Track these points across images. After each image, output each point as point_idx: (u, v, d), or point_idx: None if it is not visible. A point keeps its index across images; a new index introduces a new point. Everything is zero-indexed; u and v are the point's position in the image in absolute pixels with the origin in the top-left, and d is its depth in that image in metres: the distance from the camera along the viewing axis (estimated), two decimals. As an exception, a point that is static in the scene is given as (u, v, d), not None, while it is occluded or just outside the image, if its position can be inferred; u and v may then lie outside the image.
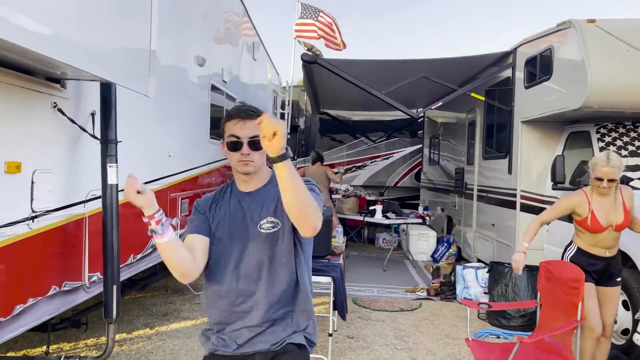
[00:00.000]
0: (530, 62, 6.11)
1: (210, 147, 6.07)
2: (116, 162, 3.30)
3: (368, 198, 11.27)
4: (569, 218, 3.88)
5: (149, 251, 4.41)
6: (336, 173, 8.64)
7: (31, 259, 2.86)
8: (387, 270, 8.09)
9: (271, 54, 10.58)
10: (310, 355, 2.06)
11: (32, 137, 2.84)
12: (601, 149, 4.95)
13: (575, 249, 3.72)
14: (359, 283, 7.11)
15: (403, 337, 4.97)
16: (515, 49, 6.56)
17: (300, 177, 1.63)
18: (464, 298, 6.02)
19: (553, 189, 5.53)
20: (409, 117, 7.37)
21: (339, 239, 5.53)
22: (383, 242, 10.56)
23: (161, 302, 5.95)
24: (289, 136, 12.48)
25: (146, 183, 4.32)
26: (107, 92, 3.27)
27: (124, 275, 3.93)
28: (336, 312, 4.43)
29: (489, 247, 7.25)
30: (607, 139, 5.10)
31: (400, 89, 6.61)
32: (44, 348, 3.53)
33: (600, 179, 3.50)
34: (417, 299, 6.38)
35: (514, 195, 6.36)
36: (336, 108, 12.11)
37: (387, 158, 13.30)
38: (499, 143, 7.06)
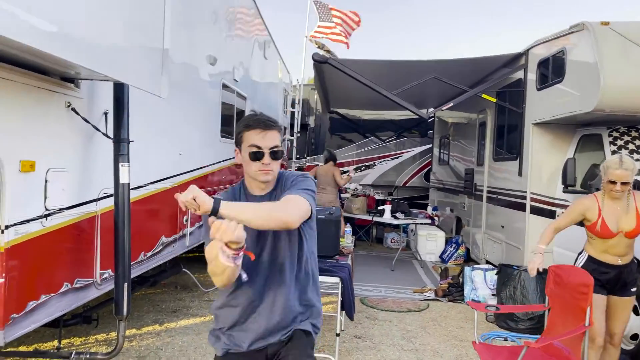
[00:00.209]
0: (543, 64, 6.07)
1: (221, 145, 6.11)
2: (128, 161, 3.34)
3: (377, 197, 11.27)
4: (580, 222, 3.84)
5: (159, 249, 4.46)
6: (345, 172, 8.65)
7: (44, 256, 2.91)
8: (395, 271, 8.09)
9: (281, 52, 10.60)
10: (317, 355, 2.10)
11: (46, 136, 2.89)
12: (613, 153, 4.91)
13: (586, 257, 3.61)
14: (367, 283, 7.12)
15: (410, 337, 4.97)
16: (528, 50, 6.52)
17: (244, 205, 1.84)
18: (472, 300, 6.01)
19: (564, 191, 5.50)
20: (418, 117, 7.36)
21: (347, 239, 5.54)
22: (391, 242, 10.55)
23: (171, 298, 6.00)
24: (298, 134, 12.55)
25: (157, 182, 4.39)
26: (120, 92, 3.31)
27: (134, 273, 3.97)
28: (344, 312, 4.45)
29: (498, 249, 7.23)
30: (619, 142, 5.06)
31: (410, 89, 6.60)
32: (56, 343, 3.59)
33: (614, 182, 3.41)
34: (424, 300, 6.38)
35: (524, 198, 6.33)
36: (346, 107, 12.11)
37: (397, 157, 13.28)
38: (509, 144, 7.03)
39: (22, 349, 4.16)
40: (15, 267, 2.65)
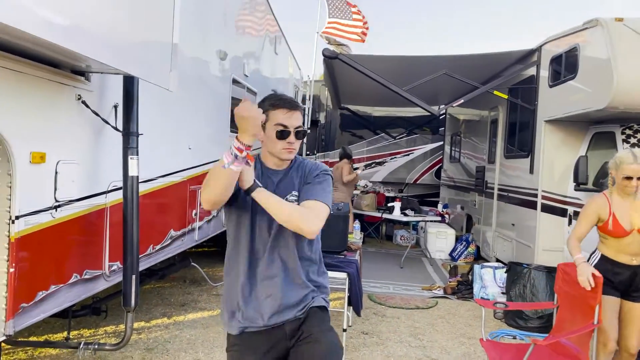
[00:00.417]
0: (556, 61, 6.00)
1: (230, 140, 6.12)
2: (137, 154, 3.36)
3: (387, 194, 11.24)
4: None
5: (168, 242, 4.49)
6: (356, 169, 8.66)
7: (53, 247, 2.94)
8: (404, 268, 8.07)
9: (292, 48, 10.59)
10: None
11: (57, 128, 2.92)
12: (624, 151, 4.85)
13: (599, 257, 3.50)
14: (376, 279, 7.11)
15: (418, 334, 4.96)
16: (541, 46, 6.45)
17: (274, 197, 1.94)
18: (481, 298, 5.98)
19: (575, 189, 5.45)
20: (429, 113, 7.33)
21: (356, 235, 5.54)
22: (401, 240, 10.52)
23: (179, 292, 6.04)
24: (309, 131, 12.55)
25: (166, 175, 4.41)
26: (129, 85, 3.34)
27: (143, 266, 4.00)
28: (351, 307, 4.45)
29: (509, 247, 7.18)
30: (633, 140, 4.99)
31: (422, 85, 6.56)
32: (65, 334, 3.62)
33: (629, 178, 3.30)
34: (433, 297, 6.36)
35: (535, 195, 6.27)
36: (357, 103, 12.08)
37: (408, 155, 13.23)
38: (521, 142, 6.97)
39: (33, 339, 4.22)
40: (25, 258, 2.68)
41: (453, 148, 11.22)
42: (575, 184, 5.31)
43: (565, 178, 5.85)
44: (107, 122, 3.32)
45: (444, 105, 7.97)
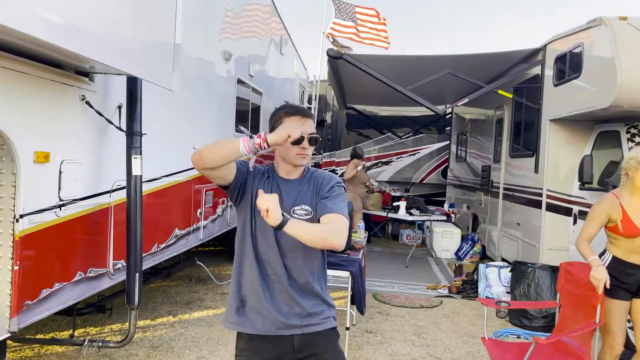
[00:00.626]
0: (560, 60, 5.98)
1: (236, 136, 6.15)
2: (141, 154, 3.40)
3: (393, 194, 11.23)
4: None
5: (173, 241, 4.53)
6: (362, 169, 8.69)
7: (58, 245, 2.98)
8: (409, 267, 8.07)
9: (298, 48, 10.61)
10: None
11: (61, 128, 2.96)
12: (630, 150, 4.82)
13: (610, 258, 3.40)
14: (381, 278, 7.11)
15: (422, 333, 4.97)
16: (545, 46, 6.43)
17: (303, 225, 1.94)
18: (486, 297, 5.97)
19: (580, 189, 5.42)
20: (434, 113, 7.32)
21: (360, 234, 5.55)
22: (407, 239, 10.52)
23: (185, 291, 6.09)
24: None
25: (171, 175, 4.45)
26: (133, 85, 3.37)
27: (147, 264, 4.05)
28: (354, 306, 4.46)
29: (514, 246, 7.16)
30: (638, 139, 4.96)
31: (427, 85, 6.56)
32: (71, 332, 3.67)
33: None
34: (438, 296, 6.36)
35: (540, 195, 6.25)
36: (363, 103, 12.08)
37: (414, 154, 13.20)
38: (526, 141, 6.95)
39: (39, 336, 4.27)
40: (29, 256, 2.73)
41: (459, 147, 11.20)
42: (580, 183, 5.29)
43: (570, 177, 5.83)
44: (110, 122, 3.36)
45: (449, 105, 7.96)
